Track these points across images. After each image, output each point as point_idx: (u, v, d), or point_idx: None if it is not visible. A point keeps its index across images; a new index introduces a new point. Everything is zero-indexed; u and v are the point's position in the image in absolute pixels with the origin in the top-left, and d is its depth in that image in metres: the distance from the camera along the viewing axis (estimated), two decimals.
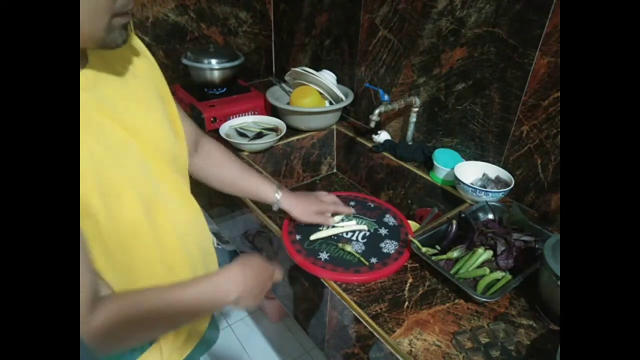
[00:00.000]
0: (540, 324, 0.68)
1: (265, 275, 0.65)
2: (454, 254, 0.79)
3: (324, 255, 0.81)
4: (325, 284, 0.77)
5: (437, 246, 0.84)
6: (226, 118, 1.29)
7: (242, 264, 0.62)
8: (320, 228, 0.87)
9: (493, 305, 0.71)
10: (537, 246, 0.80)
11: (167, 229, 0.60)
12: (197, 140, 0.79)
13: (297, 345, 1.63)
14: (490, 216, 0.91)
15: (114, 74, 0.54)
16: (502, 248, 0.78)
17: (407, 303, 0.72)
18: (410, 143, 1.20)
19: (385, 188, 1.22)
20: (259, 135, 1.23)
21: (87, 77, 0.50)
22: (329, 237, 0.86)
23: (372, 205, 0.97)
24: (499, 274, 0.74)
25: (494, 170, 0.99)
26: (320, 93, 1.30)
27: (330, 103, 1.32)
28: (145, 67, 0.61)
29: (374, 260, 0.80)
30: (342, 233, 0.87)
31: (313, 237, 0.85)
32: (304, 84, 1.32)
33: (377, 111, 1.06)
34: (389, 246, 0.84)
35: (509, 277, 0.74)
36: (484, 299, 0.69)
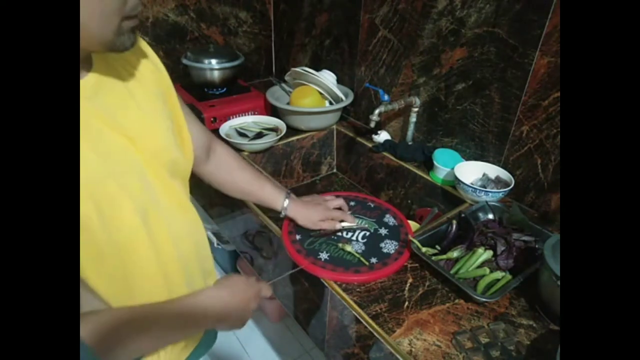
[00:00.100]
0: (540, 324, 0.68)
1: (248, 295, 0.64)
2: (454, 254, 0.79)
3: (324, 255, 0.81)
4: (325, 284, 0.77)
5: (437, 246, 0.84)
6: (226, 118, 1.29)
7: (220, 287, 0.62)
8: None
9: (493, 305, 0.71)
10: (537, 246, 0.80)
11: (165, 238, 0.58)
12: (209, 145, 0.79)
13: (297, 345, 1.63)
14: (490, 216, 0.91)
15: (117, 78, 0.54)
16: (502, 248, 0.78)
17: (407, 303, 0.72)
18: (410, 143, 1.20)
19: (385, 188, 1.22)
20: (259, 135, 1.23)
21: (90, 83, 0.49)
22: (329, 237, 0.86)
23: (372, 205, 0.97)
24: (499, 274, 0.74)
25: (494, 170, 0.99)
26: (320, 93, 1.30)
27: (330, 103, 1.32)
28: (150, 72, 0.60)
29: (374, 260, 0.80)
30: (342, 233, 0.87)
31: (313, 233, 0.86)
32: (304, 84, 1.32)
33: (377, 111, 1.06)
34: (389, 246, 0.84)
35: (509, 277, 0.74)
36: (484, 299, 0.69)
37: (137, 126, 0.54)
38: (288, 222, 0.89)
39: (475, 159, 1.04)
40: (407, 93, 1.18)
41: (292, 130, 1.28)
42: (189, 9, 1.44)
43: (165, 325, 0.55)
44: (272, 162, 1.25)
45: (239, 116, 1.31)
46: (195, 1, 1.43)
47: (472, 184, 0.95)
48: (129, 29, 0.48)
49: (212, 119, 1.27)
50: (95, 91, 0.50)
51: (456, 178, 0.96)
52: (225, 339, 1.63)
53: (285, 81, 1.42)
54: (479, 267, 0.77)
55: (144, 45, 0.61)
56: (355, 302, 0.72)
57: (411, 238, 0.82)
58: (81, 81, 0.49)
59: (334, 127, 1.36)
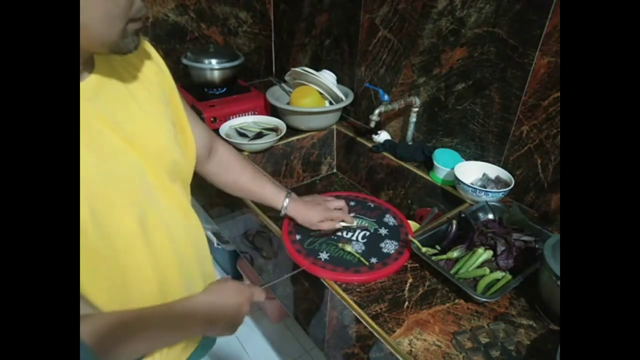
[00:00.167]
0: (540, 324, 0.68)
1: (239, 300, 0.63)
2: (454, 254, 0.79)
3: (324, 255, 0.81)
4: (325, 284, 0.77)
5: (437, 246, 0.84)
6: (226, 118, 1.29)
7: (210, 292, 0.62)
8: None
9: (493, 305, 0.71)
10: (537, 246, 0.80)
11: (163, 242, 0.58)
12: (211, 145, 0.79)
13: (297, 345, 1.63)
14: (490, 216, 0.91)
15: (119, 80, 0.54)
16: (502, 248, 0.79)
17: (407, 303, 0.72)
18: (410, 143, 1.20)
19: (385, 188, 1.22)
20: (259, 135, 1.23)
21: (91, 84, 0.49)
22: (329, 237, 0.86)
23: (372, 205, 0.97)
24: (499, 274, 0.74)
25: (494, 170, 0.99)
26: (320, 93, 1.30)
27: (330, 103, 1.32)
28: (152, 73, 0.60)
29: (374, 260, 0.80)
30: (342, 233, 0.87)
31: (313, 233, 0.86)
32: (304, 84, 1.32)
33: (377, 111, 1.06)
34: (389, 246, 0.84)
35: (509, 277, 0.74)
36: (484, 299, 0.69)
37: (138, 127, 0.54)
38: (288, 222, 0.89)
39: (475, 159, 1.04)
40: (407, 93, 1.18)
41: (292, 130, 1.28)
42: (189, 9, 1.44)
43: (153, 330, 0.54)
44: (272, 162, 1.25)
45: (239, 116, 1.31)
46: (195, 1, 1.43)
47: (472, 184, 0.95)
48: (134, 31, 0.48)
49: (212, 119, 1.27)
50: (96, 92, 0.50)
51: (456, 178, 0.96)
52: (225, 339, 1.63)
53: (285, 81, 1.42)
54: (479, 267, 0.77)
55: (148, 47, 0.61)
56: (355, 302, 0.72)
57: (411, 238, 0.82)
58: (82, 82, 0.49)
59: (334, 127, 1.36)
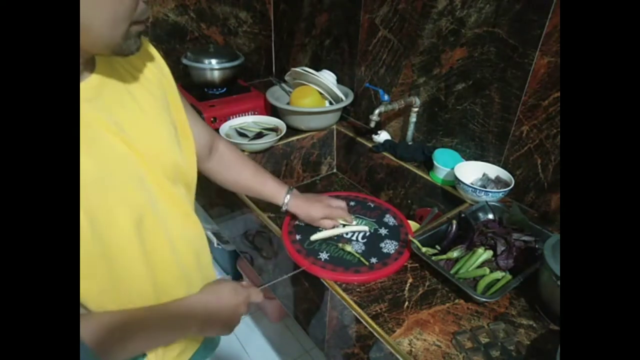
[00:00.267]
0: (540, 324, 0.68)
1: (235, 300, 0.63)
2: (454, 254, 0.79)
3: (324, 255, 0.81)
4: (325, 284, 0.77)
5: (437, 246, 0.84)
6: (226, 118, 1.29)
7: (206, 292, 0.61)
8: (321, 229, 0.87)
9: (493, 305, 0.72)
10: (537, 246, 0.80)
11: (161, 246, 0.57)
12: (211, 143, 0.79)
13: (297, 345, 1.63)
14: (490, 216, 0.91)
15: (119, 81, 0.53)
16: (502, 248, 0.79)
17: (407, 303, 0.72)
18: (410, 143, 1.20)
19: (385, 188, 1.22)
20: (259, 135, 1.23)
21: (91, 86, 0.49)
22: (329, 237, 0.86)
23: (372, 205, 0.97)
24: (499, 274, 0.74)
25: (494, 170, 0.99)
26: (320, 93, 1.30)
27: (330, 103, 1.32)
28: (153, 75, 0.59)
29: (374, 260, 0.80)
30: (342, 233, 0.87)
31: (313, 237, 0.85)
32: (304, 84, 1.32)
33: (377, 111, 1.06)
34: (389, 246, 0.84)
35: (509, 277, 0.74)
36: (484, 299, 0.69)
37: (138, 129, 0.53)
38: (288, 222, 0.89)
39: (475, 159, 1.04)
40: (407, 93, 1.18)
41: (292, 130, 1.28)
42: (189, 9, 1.44)
43: (152, 329, 0.54)
44: (272, 162, 1.25)
45: (239, 116, 1.31)
46: (195, 1, 1.43)
47: (472, 184, 0.95)
48: (136, 33, 0.48)
49: (212, 119, 1.27)
50: (96, 93, 0.49)
51: (456, 178, 0.96)
52: (225, 339, 1.63)
53: (285, 81, 1.42)
54: (479, 267, 0.77)
55: (150, 48, 0.61)
56: (355, 302, 0.72)
57: (411, 238, 0.82)
58: (83, 82, 0.48)
59: (334, 127, 1.36)
